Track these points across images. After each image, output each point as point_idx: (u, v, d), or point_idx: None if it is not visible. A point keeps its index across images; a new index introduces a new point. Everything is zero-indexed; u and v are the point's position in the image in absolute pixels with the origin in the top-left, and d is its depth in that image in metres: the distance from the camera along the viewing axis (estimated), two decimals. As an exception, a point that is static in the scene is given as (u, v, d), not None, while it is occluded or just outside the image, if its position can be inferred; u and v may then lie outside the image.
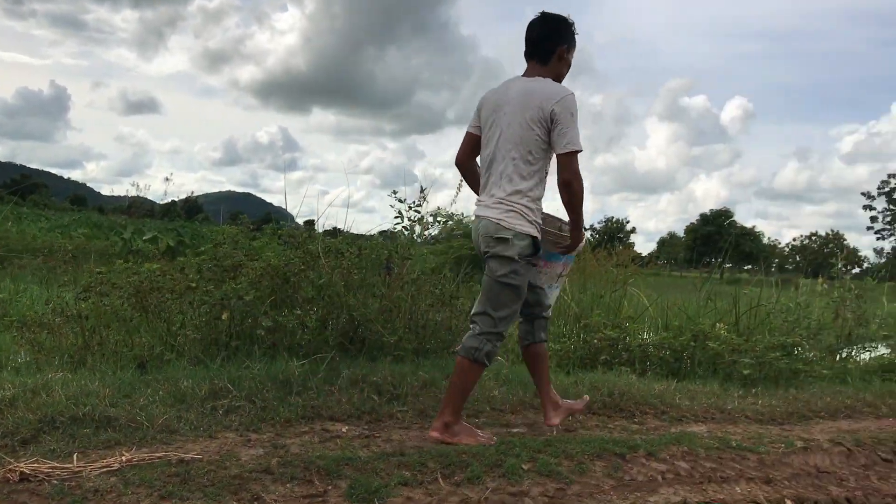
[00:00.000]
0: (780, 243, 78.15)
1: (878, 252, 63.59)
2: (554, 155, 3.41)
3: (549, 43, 3.49)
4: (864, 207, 62.13)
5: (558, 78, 3.54)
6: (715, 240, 66.67)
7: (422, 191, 5.21)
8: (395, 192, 5.20)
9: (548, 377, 3.84)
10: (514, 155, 3.38)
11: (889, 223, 61.09)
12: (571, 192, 3.36)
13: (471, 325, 3.49)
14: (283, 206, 6.00)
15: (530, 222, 3.41)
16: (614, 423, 4.15)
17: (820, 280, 6.94)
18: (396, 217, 5.27)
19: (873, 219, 61.70)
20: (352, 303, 4.61)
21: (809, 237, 73.88)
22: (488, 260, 3.45)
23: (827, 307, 6.64)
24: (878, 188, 61.42)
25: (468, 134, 3.66)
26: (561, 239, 3.63)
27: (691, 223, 72.55)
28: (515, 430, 3.80)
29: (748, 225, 71.61)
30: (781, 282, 8.73)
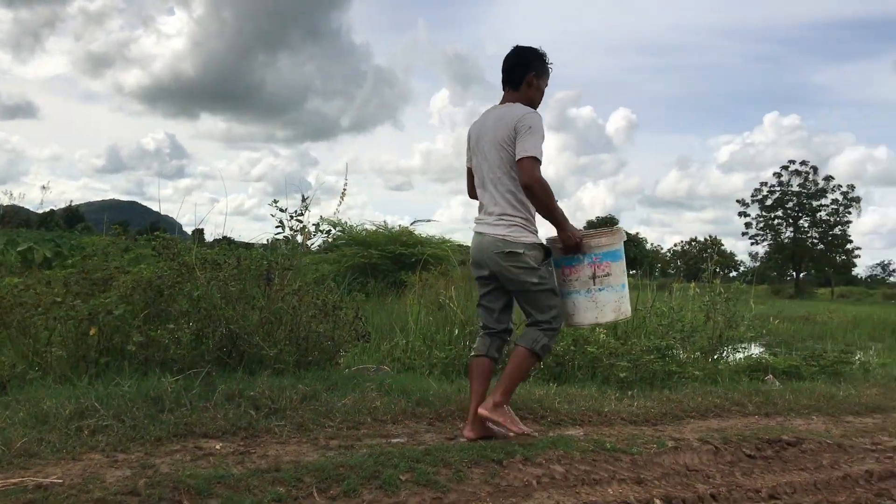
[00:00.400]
0: (662, 249, 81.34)
1: (753, 256, 67.08)
2: None
3: (519, 71, 3.85)
4: (739, 214, 65.38)
5: (531, 103, 3.86)
6: (602, 246, 68.66)
7: (303, 199, 5.13)
8: (275, 202, 5.12)
9: (485, 394, 3.92)
10: (500, 174, 3.74)
11: (762, 229, 64.48)
12: (534, 195, 3.65)
13: (535, 327, 3.80)
14: (170, 215, 5.81)
15: (532, 232, 3.78)
16: (494, 430, 4.20)
17: (692, 284, 7.25)
18: (278, 226, 5.18)
19: (747, 225, 65.00)
20: (230, 315, 4.50)
21: (689, 242, 77.20)
22: (509, 275, 3.74)
23: (699, 310, 6.95)
24: (752, 196, 64.70)
25: (468, 169, 4.07)
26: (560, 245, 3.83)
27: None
28: (396, 440, 3.79)
29: (633, 231, 74.18)
30: (659, 286, 9.06)
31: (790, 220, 63.73)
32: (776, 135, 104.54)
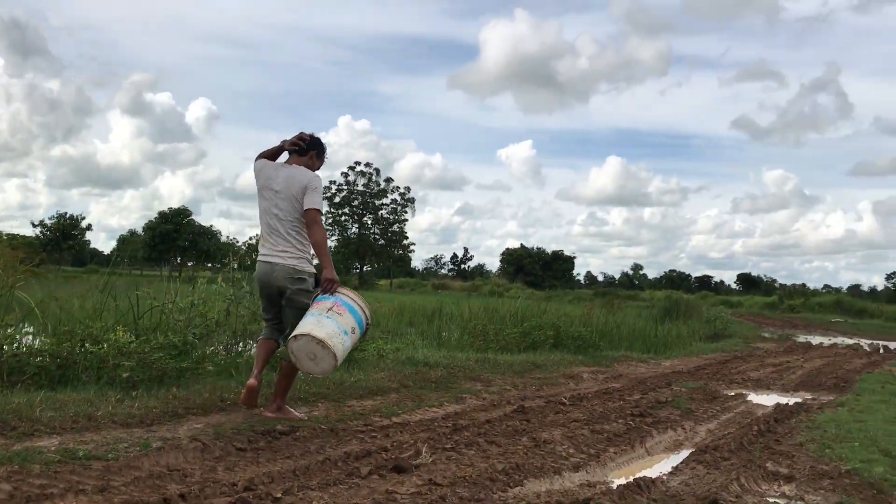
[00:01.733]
0: (238, 242, 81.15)
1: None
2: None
3: (308, 147, 5.15)
4: (309, 210, 67.92)
5: (311, 168, 5.13)
6: (174, 238, 66.47)
7: None
8: None
9: (263, 366, 5.15)
10: (291, 219, 4.93)
11: (331, 225, 67.87)
12: (314, 235, 4.93)
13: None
14: None
15: (310, 264, 5.02)
16: (-57, 449, 3.63)
17: (220, 277, 7.15)
18: None
19: (316, 220, 67.80)
20: None
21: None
22: (291, 295, 4.94)
23: (224, 304, 6.85)
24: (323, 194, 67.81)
25: None
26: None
27: (150, 221, 71.09)
28: None
29: (211, 223, 73.06)
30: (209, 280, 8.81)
31: (356, 217, 68.18)
32: (349, 137, 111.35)
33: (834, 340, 21.39)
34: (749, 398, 8.03)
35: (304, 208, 4.88)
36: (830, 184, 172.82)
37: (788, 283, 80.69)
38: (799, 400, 7.98)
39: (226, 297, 6.81)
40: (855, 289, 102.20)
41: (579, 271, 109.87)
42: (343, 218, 68.18)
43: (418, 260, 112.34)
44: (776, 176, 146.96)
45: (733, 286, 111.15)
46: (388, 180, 68.33)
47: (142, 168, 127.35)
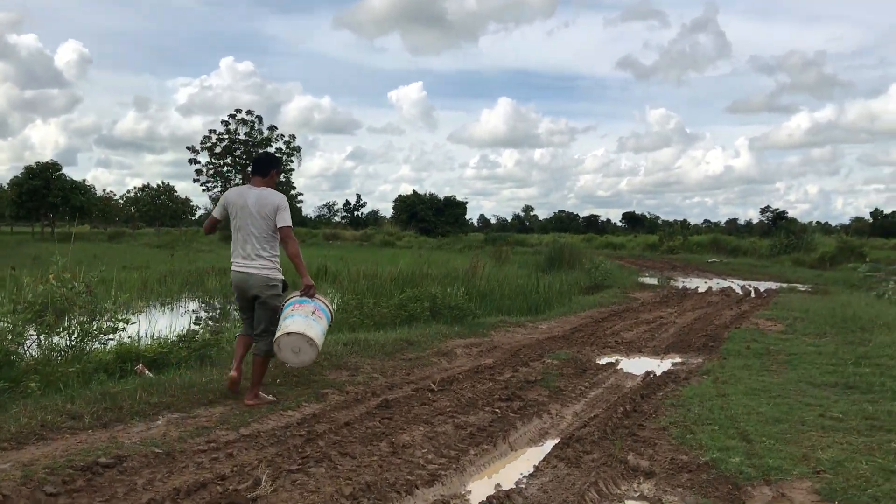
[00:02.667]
0: (115, 195, 77.10)
1: (215, 201, 67.33)
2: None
3: (269, 166, 5.89)
4: (190, 161, 64.68)
5: (273, 185, 5.86)
6: (44, 194, 62.56)
7: None
8: None
9: (243, 357, 5.96)
10: (265, 234, 5.70)
11: (212, 176, 65.03)
12: (289, 248, 5.70)
13: (263, 337, 5.75)
14: None
15: (280, 272, 5.82)
16: None
17: (51, 275, 6.33)
18: None
19: (199, 171, 64.73)
20: None
21: (143, 189, 74.35)
22: (265, 300, 5.74)
23: (59, 301, 6.14)
24: (202, 143, 64.60)
25: (212, 218, 6.01)
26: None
27: (16, 176, 66.45)
28: None
29: (87, 176, 68.78)
30: (112, 236, 7.96)
31: (239, 168, 65.71)
32: (232, 80, 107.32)
33: (709, 284, 22.19)
34: (620, 367, 8.05)
35: (278, 226, 5.67)
36: (710, 122, 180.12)
37: (671, 219, 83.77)
38: (668, 366, 8.07)
39: (55, 297, 6.12)
40: (732, 223, 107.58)
41: (472, 215, 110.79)
42: (225, 169, 65.61)
43: (311, 207, 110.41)
44: (659, 115, 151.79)
45: (619, 224, 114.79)
46: (272, 128, 66.07)
47: (9, 116, 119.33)
